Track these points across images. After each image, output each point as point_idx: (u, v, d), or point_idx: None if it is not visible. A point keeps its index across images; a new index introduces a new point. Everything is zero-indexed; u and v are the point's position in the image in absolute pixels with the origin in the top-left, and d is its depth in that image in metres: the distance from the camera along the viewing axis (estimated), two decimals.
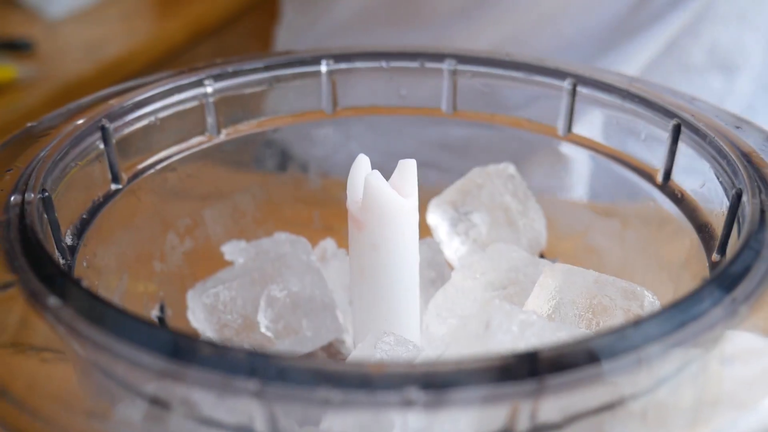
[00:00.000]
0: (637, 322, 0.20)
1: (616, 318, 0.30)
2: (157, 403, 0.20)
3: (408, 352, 0.31)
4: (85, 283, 0.22)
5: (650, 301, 0.30)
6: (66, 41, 1.26)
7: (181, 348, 0.19)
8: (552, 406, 0.19)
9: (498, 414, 0.19)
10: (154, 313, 0.38)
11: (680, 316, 0.20)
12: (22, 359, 0.21)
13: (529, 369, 0.18)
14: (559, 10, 0.60)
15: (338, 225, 0.45)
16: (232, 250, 0.39)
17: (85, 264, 0.30)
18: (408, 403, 0.18)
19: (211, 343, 0.19)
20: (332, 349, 0.40)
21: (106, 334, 0.20)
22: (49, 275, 0.22)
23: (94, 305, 0.21)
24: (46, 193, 0.27)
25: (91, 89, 1.21)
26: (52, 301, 0.21)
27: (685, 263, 0.32)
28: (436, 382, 0.18)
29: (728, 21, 0.60)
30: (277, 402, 0.18)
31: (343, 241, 0.42)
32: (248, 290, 0.37)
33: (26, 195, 0.26)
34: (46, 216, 0.27)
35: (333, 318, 0.38)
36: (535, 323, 0.26)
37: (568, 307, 0.31)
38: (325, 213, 0.45)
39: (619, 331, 0.19)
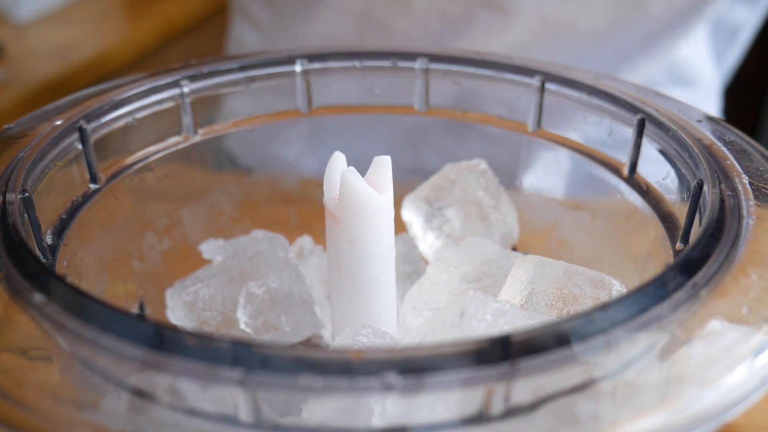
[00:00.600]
0: (605, 307, 0.21)
1: (586, 306, 0.31)
2: (142, 394, 0.21)
3: (386, 343, 0.32)
4: (68, 280, 0.22)
5: (618, 289, 0.31)
6: (35, 44, 1.25)
7: (165, 338, 0.20)
8: (525, 388, 0.20)
9: (473, 397, 0.20)
10: (133, 312, 0.38)
11: (645, 300, 0.22)
12: (8, 355, 0.22)
13: (502, 353, 0.19)
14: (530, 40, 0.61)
15: (315, 223, 0.45)
16: (209, 248, 0.40)
17: (65, 263, 0.31)
18: (387, 388, 0.18)
19: (194, 334, 0.19)
20: (310, 344, 0.41)
21: (91, 327, 0.21)
22: (33, 272, 0.23)
23: (79, 300, 0.21)
24: (27, 194, 0.28)
25: (61, 92, 1.21)
26: (37, 297, 0.22)
27: (651, 253, 0.33)
28: (414, 367, 0.19)
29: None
30: (261, 390, 0.19)
31: (319, 238, 0.43)
32: (227, 287, 0.37)
33: (7, 195, 0.27)
34: (27, 216, 0.28)
35: (311, 313, 0.39)
36: (508, 312, 0.27)
37: (540, 297, 0.32)
38: (302, 211, 0.45)
39: (587, 315, 0.20)
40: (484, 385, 0.20)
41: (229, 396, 0.19)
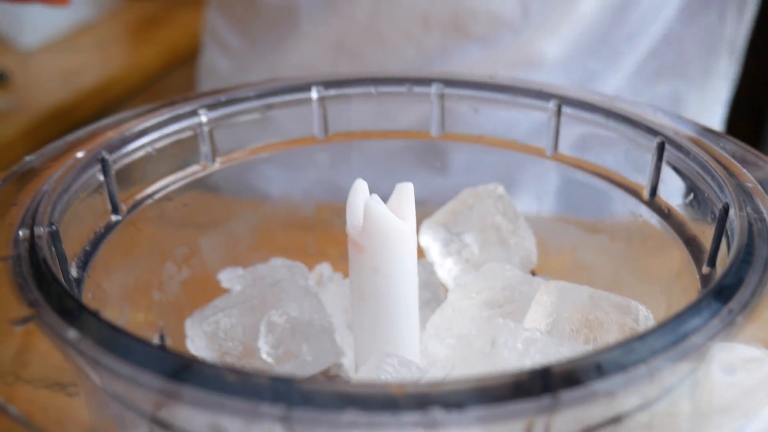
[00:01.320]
0: (642, 336, 0.21)
1: (612, 332, 0.31)
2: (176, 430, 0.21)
3: (411, 373, 0.32)
4: (102, 315, 0.22)
5: (644, 315, 0.31)
6: (41, 71, 1.26)
7: (203, 375, 0.20)
8: (565, 420, 0.20)
9: (515, 429, 0.20)
10: (167, 347, 0.38)
11: (681, 329, 0.21)
12: (43, 391, 0.22)
13: (542, 385, 0.19)
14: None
15: (331, 249, 0.45)
16: (228, 277, 0.40)
17: (90, 295, 0.31)
18: (432, 423, 0.18)
19: (234, 370, 0.19)
20: (330, 373, 0.41)
21: (127, 365, 0.20)
22: (67, 308, 0.23)
23: (114, 336, 0.21)
24: (54, 227, 0.28)
25: (67, 119, 1.21)
26: (72, 334, 0.22)
27: (676, 277, 0.33)
28: (457, 401, 0.18)
29: None
30: (302, 427, 0.19)
31: (337, 265, 0.43)
32: (248, 317, 0.37)
33: (35, 229, 0.27)
34: (54, 249, 0.28)
35: (332, 342, 0.38)
36: (539, 340, 0.26)
37: (565, 323, 0.32)
38: (318, 237, 0.45)
39: (625, 345, 0.20)
40: (525, 417, 0.19)
41: None
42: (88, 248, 0.32)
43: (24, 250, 0.26)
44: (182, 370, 0.20)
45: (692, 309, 0.22)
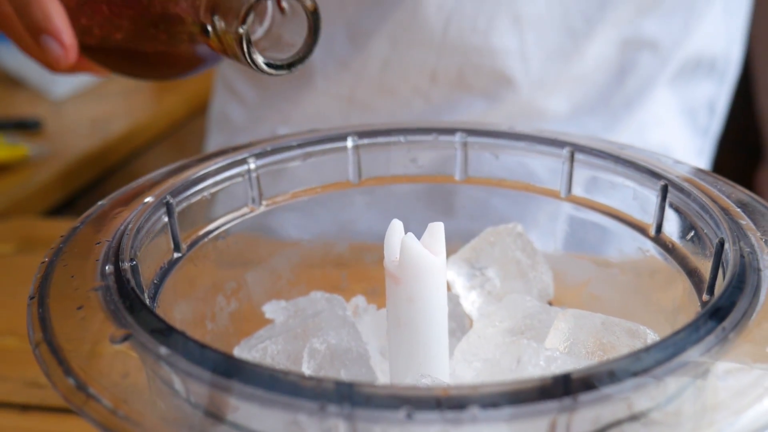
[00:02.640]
0: (648, 349, 0.24)
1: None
2: None
3: None
4: (188, 334, 0.26)
5: (652, 338, 0.35)
6: (71, 119, 1.32)
7: (282, 381, 0.23)
8: (583, 419, 0.24)
9: (540, 427, 0.23)
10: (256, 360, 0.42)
11: (682, 343, 0.25)
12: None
13: (564, 389, 0.23)
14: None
15: (362, 284, 0.49)
16: (272, 309, 0.44)
17: None
18: (472, 419, 0.22)
19: (309, 377, 0.23)
20: None
21: (218, 376, 0.24)
22: (158, 329, 0.27)
23: (201, 351, 0.25)
24: (134, 262, 0.32)
25: (98, 164, 1.26)
26: (164, 350, 0.26)
27: (680, 305, 0.37)
28: (493, 401, 0.22)
29: None
30: (364, 423, 0.23)
31: (370, 298, 0.47)
32: (292, 344, 0.41)
33: (121, 264, 0.31)
34: (134, 281, 0.32)
35: (368, 367, 0.42)
36: (558, 358, 0.30)
37: (581, 346, 0.36)
38: (351, 273, 0.49)
39: (634, 355, 0.24)
40: (549, 416, 0.23)
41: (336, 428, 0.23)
42: (156, 282, 0.36)
43: (112, 282, 0.30)
44: (259, 377, 0.24)
45: (691, 327, 0.26)
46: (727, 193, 0.38)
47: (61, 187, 1.10)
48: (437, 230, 0.37)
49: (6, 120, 1.22)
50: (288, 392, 0.23)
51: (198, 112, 1.44)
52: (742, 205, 0.36)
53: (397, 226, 0.37)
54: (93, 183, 1.16)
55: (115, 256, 0.32)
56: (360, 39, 0.65)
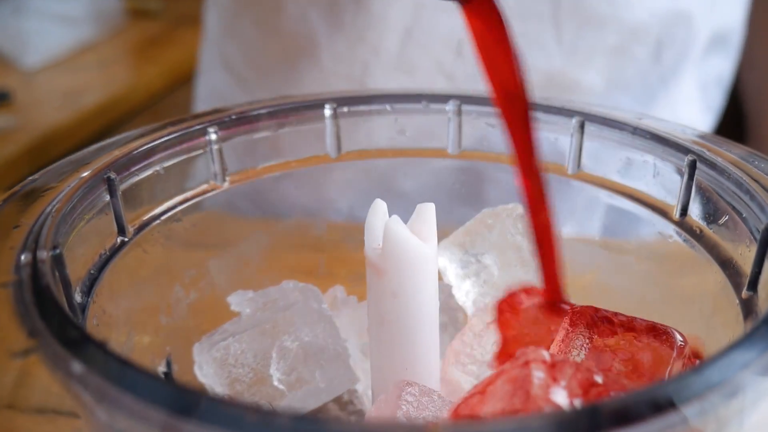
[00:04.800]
0: (698, 369, 0.19)
1: (646, 357, 0.30)
2: None
3: (433, 402, 0.30)
4: (109, 347, 0.21)
5: (679, 339, 0.29)
6: (43, 91, 1.25)
7: (218, 414, 0.18)
8: None
9: None
10: (160, 369, 0.36)
11: (736, 361, 0.20)
12: (49, 425, 0.20)
13: (592, 424, 0.18)
14: None
15: (343, 270, 0.44)
16: (238, 300, 0.38)
17: (95, 322, 0.29)
18: None
19: (251, 408, 0.18)
20: (344, 399, 0.39)
21: (135, 399, 0.19)
22: (72, 339, 0.21)
23: (122, 370, 0.20)
24: (58, 250, 0.26)
25: (70, 138, 1.20)
26: (77, 367, 0.20)
27: (711, 300, 0.32)
28: None
29: None
30: None
31: (350, 287, 0.41)
32: (259, 342, 0.35)
33: (38, 253, 0.25)
34: (57, 274, 0.26)
35: (346, 368, 0.37)
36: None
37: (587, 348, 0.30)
38: (330, 258, 0.44)
39: (682, 379, 0.19)
40: None
41: None
42: (93, 272, 0.30)
43: (26, 276, 0.24)
44: (192, 407, 0.18)
45: (745, 341, 0.21)
46: (764, 168, 0.32)
47: (27, 162, 1.03)
48: (427, 212, 0.31)
49: None
50: (224, 425, 0.17)
51: (178, 84, 1.37)
52: None
53: (379, 207, 0.31)
54: (62, 158, 1.10)
55: (35, 244, 0.26)
56: (378, 3, 0.58)
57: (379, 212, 0.31)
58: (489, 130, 0.41)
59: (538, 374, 0.23)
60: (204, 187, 0.38)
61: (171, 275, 0.37)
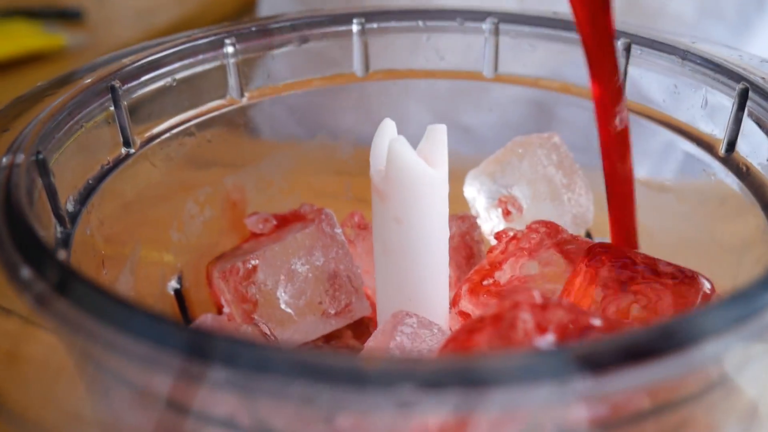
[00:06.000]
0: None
1: (666, 303, 0.27)
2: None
3: (433, 335, 0.28)
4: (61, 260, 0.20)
5: (707, 286, 0.27)
6: (116, 10, 1.26)
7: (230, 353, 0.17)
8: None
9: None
10: (171, 284, 0.36)
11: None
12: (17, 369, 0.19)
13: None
14: None
15: (370, 196, 0.42)
16: (255, 221, 0.37)
17: (88, 231, 0.28)
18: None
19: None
20: (362, 328, 0.38)
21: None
22: (28, 246, 0.20)
23: (71, 283, 0.19)
24: (41, 155, 0.25)
25: None
26: (25, 272, 0.19)
27: (749, 245, 0.28)
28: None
29: None
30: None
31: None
32: (268, 264, 0.34)
33: (16, 156, 0.24)
34: (42, 181, 0.25)
35: (359, 295, 0.35)
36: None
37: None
38: (357, 183, 0.42)
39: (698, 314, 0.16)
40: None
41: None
42: (91, 182, 0.29)
43: (3, 179, 0.24)
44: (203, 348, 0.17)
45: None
46: None
47: None
48: (438, 135, 0.29)
49: (47, 9, 1.17)
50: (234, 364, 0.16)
51: (252, 6, 1.36)
52: None
53: (387, 127, 0.29)
54: None
55: (18, 148, 0.25)
56: None
57: (386, 132, 0.29)
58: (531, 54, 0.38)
59: (525, 317, 0.21)
60: (221, 102, 0.36)
61: (183, 191, 0.36)
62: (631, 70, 0.34)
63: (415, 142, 0.29)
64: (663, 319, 0.24)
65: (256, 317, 0.33)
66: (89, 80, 0.30)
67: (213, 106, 0.36)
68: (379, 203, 0.29)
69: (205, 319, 0.26)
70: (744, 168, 0.30)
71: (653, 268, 0.27)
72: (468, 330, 0.23)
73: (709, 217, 0.33)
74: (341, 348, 0.37)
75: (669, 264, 0.27)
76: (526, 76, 0.38)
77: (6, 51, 0.90)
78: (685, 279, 0.26)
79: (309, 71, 0.38)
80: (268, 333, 0.31)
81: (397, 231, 0.29)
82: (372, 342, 0.29)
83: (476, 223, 0.38)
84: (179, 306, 0.36)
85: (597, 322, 0.22)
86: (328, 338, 0.37)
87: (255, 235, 0.37)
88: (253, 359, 0.16)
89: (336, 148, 0.41)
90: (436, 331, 0.28)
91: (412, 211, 0.28)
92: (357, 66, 0.38)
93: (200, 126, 0.35)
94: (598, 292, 0.28)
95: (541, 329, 0.20)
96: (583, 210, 0.37)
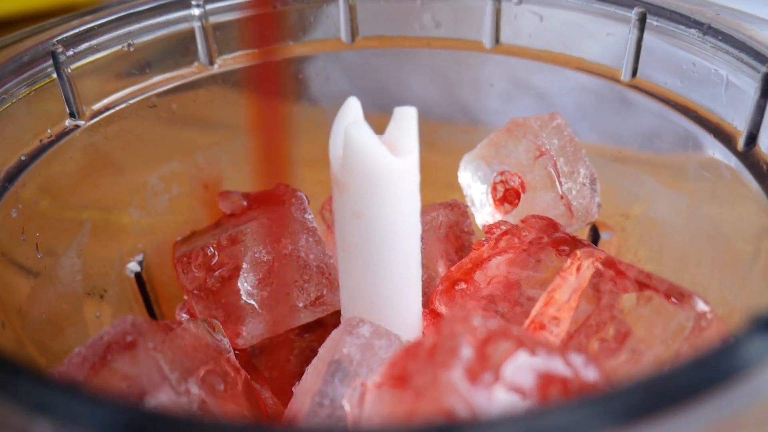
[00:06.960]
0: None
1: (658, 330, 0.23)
2: None
3: (388, 347, 0.25)
4: None
5: (702, 307, 0.23)
6: None
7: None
8: None
9: None
10: (132, 266, 0.33)
11: None
12: None
13: None
14: None
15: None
16: (225, 201, 0.34)
17: (14, 213, 0.26)
18: None
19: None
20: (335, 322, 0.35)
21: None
22: None
23: None
24: None
25: None
26: None
27: (759, 253, 0.24)
28: None
29: None
30: None
31: None
32: (229, 251, 0.32)
33: None
34: None
35: (332, 287, 0.32)
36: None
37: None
38: None
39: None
40: None
41: None
42: (24, 158, 0.27)
43: None
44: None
45: None
46: None
47: None
48: (407, 117, 0.25)
49: None
50: None
51: None
52: None
53: (351, 106, 0.26)
54: None
55: None
56: None
57: (349, 112, 0.26)
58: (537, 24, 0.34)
59: (465, 352, 0.17)
60: (188, 69, 0.33)
61: (144, 166, 0.33)
62: (645, 47, 0.30)
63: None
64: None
65: (213, 311, 0.31)
66: (28, 44, 0.27)
67: (179, 74, 0.33)
68: (338, 195, 0.25)
69: (125, 320, 0.24)
70: (765, 166, 0.26)
71: (646, 284, 0.24)
72: (398, 365, 0.19)
73: (721, 219, 0.28)
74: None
75: (663, 281, 0.23)
76: (530, 47, 0.34)
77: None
78: (679, 298, 0.23)
79: (288, 36, 0.35)
80: (221, 335, 0.28)
81: (357, 226, 0.25)
82: (322, 350, 0.26)
83: (467, 211, 0.34)
84: (141, 291, 0.33)
85: (559, 366, 0.18)
86: (307, 328, 0.34)
87: (227, 216, 0.34)
88: None
89: (320, 113, 0.37)
90: (393, 340, 0.25)
91: (373, 205, 0.25)
92: (343, 32, 0.35)
93: (164, 95, 0.32)
94: (583, 306, 0.24)
95: (482, 368, 0.17)
96: (587, 201, 0.33)
